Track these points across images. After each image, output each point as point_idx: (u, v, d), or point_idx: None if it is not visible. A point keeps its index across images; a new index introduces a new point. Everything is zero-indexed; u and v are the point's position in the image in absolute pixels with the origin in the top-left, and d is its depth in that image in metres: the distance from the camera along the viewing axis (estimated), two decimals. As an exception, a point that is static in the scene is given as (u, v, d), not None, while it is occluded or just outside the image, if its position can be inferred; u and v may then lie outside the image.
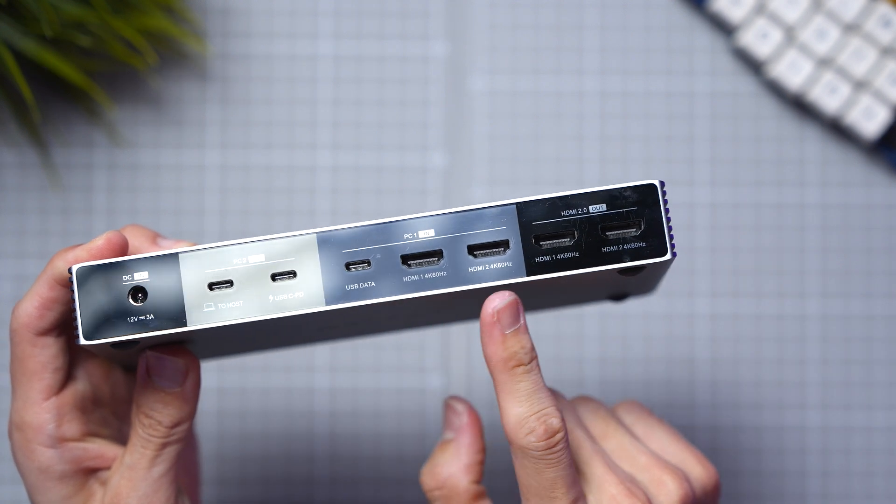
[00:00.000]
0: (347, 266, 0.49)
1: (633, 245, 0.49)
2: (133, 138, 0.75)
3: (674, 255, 0.49)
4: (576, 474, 0.52)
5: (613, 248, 0.49)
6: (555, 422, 0.50)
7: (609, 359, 0.75)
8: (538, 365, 0.51)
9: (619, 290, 0.56)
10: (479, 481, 0.56)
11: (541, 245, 0.49)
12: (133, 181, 0.75)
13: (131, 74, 0.75)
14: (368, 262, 0.49)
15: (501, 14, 0.75)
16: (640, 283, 0.54)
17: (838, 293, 0.75)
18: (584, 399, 0.57)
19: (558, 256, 0.49)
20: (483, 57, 0.75)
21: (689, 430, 0.74)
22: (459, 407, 0.56)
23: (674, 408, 0.74)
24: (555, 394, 0.55)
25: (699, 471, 0.56)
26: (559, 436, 0.51)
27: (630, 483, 0.53)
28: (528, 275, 0.49)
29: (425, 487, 0.56)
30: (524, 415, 0.51)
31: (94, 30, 0.70)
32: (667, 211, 0.49)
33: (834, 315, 0.75)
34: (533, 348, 0.51)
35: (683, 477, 0.54)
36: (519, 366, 0.51)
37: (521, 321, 0.50)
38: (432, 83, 0.75)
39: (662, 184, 0.49)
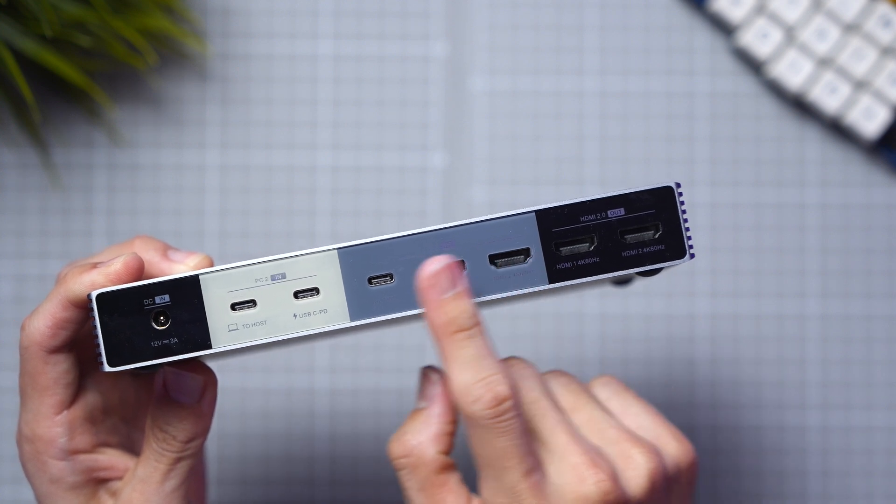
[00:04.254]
0: (370, 280, 0.49)
1: (651, 248, 0.49)
2: (133, 138, 0.75)
3: (692, 256, 0.50)
4: (531, 444, 0.50)
5: (633, 252, 0.49)
6: (502, 389, 0.49)
7: (609, 359, 0.75)
8: (483, 331, 0.50)
9: (626, 278, 0.56)
10: (447, 453, 0.54)
11: (561, 252, 0.49)
12: (133, 181, 0.75)
13: (131, 74, 0.75)
14: (391, 276, 0.49)
15: (501, 14, 0.75)
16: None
17: (838, 293, 0.75)
18: (557, 372, 0.55)
19: (579, 262, 0.49)
20: (483, 57, 0.75)
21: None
22: (434, 376, 0.54)
23: (674, 408, 0.75)
24: (522, 362, 0.53)
25: (674, 446, 0.54)
26: (507, 403, 0.49)
27: (595, 454, 0.51)
28: (551, 282, 0.49)
29: (392, 455, 0.53)
30: (469, 382, 0.49)
31: (94, 30, 0.70)
32: (683, 212, 0.49)
33: (834, 315, 0.75)
34: (476, 313, 0.49)
35: (654, 451, 0.53)
36: (461, 331, 0.49)
37: (460, 286, 0.49)
38: (432, 83, 0.75)
39: (679, 185, 0.50)
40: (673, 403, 0.75)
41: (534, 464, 0.50)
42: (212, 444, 0.74)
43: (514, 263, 0.49)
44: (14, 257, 0.74)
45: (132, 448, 0.56)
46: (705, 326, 0.75)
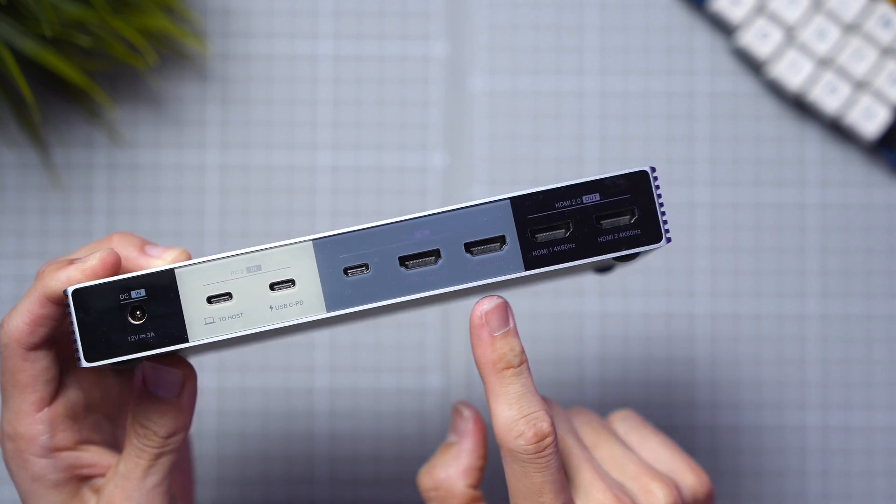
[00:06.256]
0: (345, 271, 0.49)
1: (627, 233, 0.49)
2: (133, 138, 0.75)
3: (668, 240, 0.49)
4: (565, 481, 0.52)
5: (609, 237, 0.49)
6: (544, 426, 0.50)
7: (609, 359, 0.75)
8: (528, 368, 0.51)
9: (607, 265, 0.57)
10: (476, 486, 0.56)
11: (537, 238, 0.49)
12: (133, 181, 0.75)
13: (131, 74, 0.75)
14: (367, 266, 0.49)
15: (501, 14, 0.75)
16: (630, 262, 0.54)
17: (838, 293, 0.75)
18: (578, 410, 0.57)
19: (555, 249, 0.49)
20: (483, 57, 0.75)
21: (689, 431, 0.74)
22: (466, 412, 0.56)
23: (674, 408, 0.74)
24: (548, 402, 0.55)
25: (691, 479, 0.56)
26: (548, 440, 0.51)
27: (618, 490, 0.53)
28: (527, 269, 0.49)
29: (422, 487, 0.56)
30: (513, 418, 0.51)
31: (94, 30, 0.70)
32: (659, 197, 0.49)
33: (834, 315, 0.75)
34: (523, 352, 0.51)
35: (672, 485, 0.54)
36: (508, 368, 0.51)
37: (511, 324, 0.51)
38: (432, 83, 0.75)
39: (653, 170, 0.49)
40: (673, 403, 0.74)
41: (567, 500, 0.52)
42: (212, 443, 0.74)
43: (489, 251, 0.49)
44: (14, 257, 0.74)
45: (116, 445, 0.56)
46: (705, 326, 0.75)
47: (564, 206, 0.49)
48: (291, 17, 0.75)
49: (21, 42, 0.69)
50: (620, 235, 0.49)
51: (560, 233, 0.49)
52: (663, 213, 0.49)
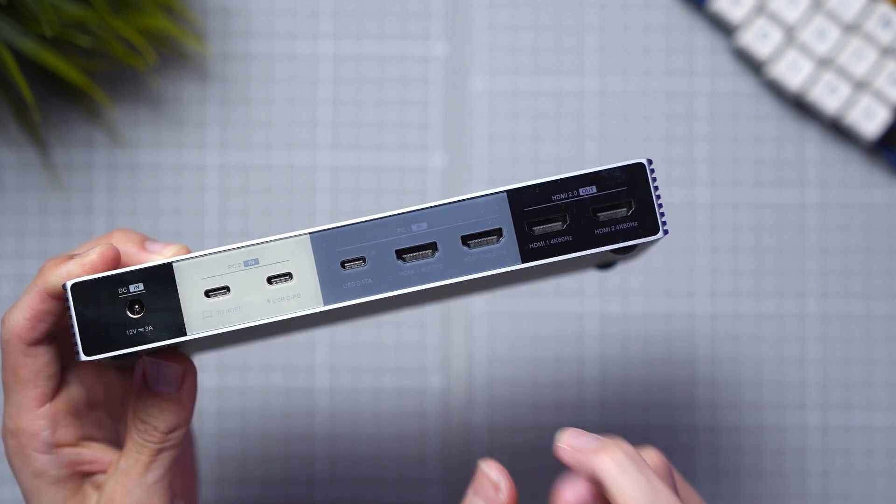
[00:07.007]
0: (343, 264, 0.49)
1: (624, 225, 0.49)
2: (133, 138, 0.75)
3: (665, 232, 0.49)
4: None
5: (606, 230, 0.49)
6: None
7: (609, 359, 0.75)
8: None
9: (608, 260, 0.56)
10: None
11: (533, 231, 0.49)
12: (133, 181, 0.75)
13: (131, 74, 0.75)
14: (364, 260, 0.49)
15: (501, 14, 0.75)
16: (629, 256, 0.54)
17: (838, 293, 0.75)
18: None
19: (552, 241, 0.49)
20: (483, 57, 0.75)
21: (690, 430, 0.74)
22: (501, 483, 0.51)
23: (674, 408, 0.74)
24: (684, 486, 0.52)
25: None
26: None
27: None
28: (524, 261, 0.49)
29: None
30: None
31: (94, 30, 0.70)
32: (656, 189, 0.49)
33: (834, 315, 0.75)
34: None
35: None
36: None
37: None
38: (432, 83, 0.75)
39: (650, 162, 0.49)
40: (673, 403, 0.74)
41: None
42: (212, 443, 0.74)
43: (486, 244, 0.49)
44: (14, 257, 0.74)
45: (118, 442, 0.56)
46: (705, 326, 0.75)
47: (561, 199, 0.49)
48: (291, 17, 0.75)
49: (21, 42, 0.69)
50: (617, 228, 0.49)
51: (557, 225, 0.49)
52: (660, 205, 0.49)
